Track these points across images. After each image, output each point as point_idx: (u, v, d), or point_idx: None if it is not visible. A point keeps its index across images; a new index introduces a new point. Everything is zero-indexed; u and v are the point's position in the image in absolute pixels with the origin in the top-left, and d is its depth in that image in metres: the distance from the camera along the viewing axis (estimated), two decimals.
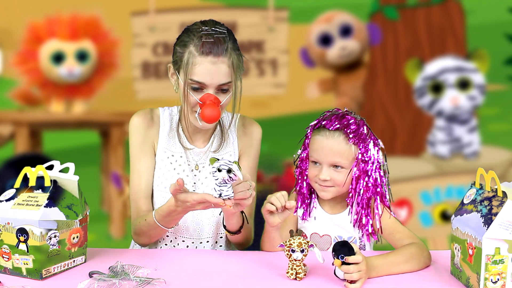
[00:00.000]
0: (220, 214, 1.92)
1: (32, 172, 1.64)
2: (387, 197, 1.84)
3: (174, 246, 1.94)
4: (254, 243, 1.98)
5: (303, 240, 1.58)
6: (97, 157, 3.76)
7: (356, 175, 1.81)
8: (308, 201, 1.90)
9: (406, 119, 3.82)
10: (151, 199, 1.94)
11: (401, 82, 3.80)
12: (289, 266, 1.60)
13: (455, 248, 1.61)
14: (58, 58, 3.65)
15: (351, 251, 1.54)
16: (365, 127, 1.82)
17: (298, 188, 1.90)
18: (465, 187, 3.57)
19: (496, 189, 1.53)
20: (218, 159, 1.59)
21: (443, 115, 3.78)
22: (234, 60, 1.82)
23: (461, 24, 3.78)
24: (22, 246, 1.57)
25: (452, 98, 3.74)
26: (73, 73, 3.66)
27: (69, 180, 1.65)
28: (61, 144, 3.73)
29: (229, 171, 1.56)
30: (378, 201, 1.82)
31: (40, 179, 1.63)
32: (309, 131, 1.86)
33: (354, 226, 1.84)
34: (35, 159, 3.37)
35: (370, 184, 1.81)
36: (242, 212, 1.81)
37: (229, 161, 1.57)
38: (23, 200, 1.60)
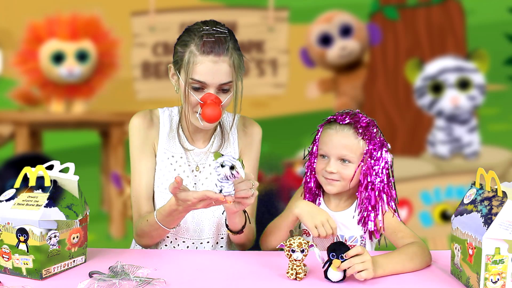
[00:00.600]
0: (222, 214, 1.91)
1: (32, 172, 1.64)
2: (393, 197, 1.86)
3: (174, 247, 1.94)
4: (254, 243, 1.98)
5: (303, 240, 1.58)
6: (97, 157, 3.75)
7: (364, 172, 1.82)
8: (314, 197, 1.91)
9: (406, 119, 3.81)
10: (152, 200, 1.94)
11: (401, 82, 3.79)
12: (289, 266, 1.60)
13: (455, 248, 1.61)
14: (58, 58, 3.64)
15: (347, 248, 1.56)
16: (375, 128, 1.85)
17: (305, 182, 1.92)
18: (465, 187, 3.58)
19: (496, 189, 1.53)
20: (223, 154, 1.56)
21: (443, 115, 3.77)
22: (235, 60, 1.82)
23: (461, 24, 3.77)
24: (22, 246, 1.57)
25: (452, 98, 3.74)
26: (73, 73, 3.65)
27: (69, 180, 1.65)
28: (61, 144, 3.72)
29: (232, 167, 1.54)
30: (385, 200, 1.83)
31: (40, 179, 1.63)
32: (320, 126, 1.89)
33: (358, 223, 1.85)
34: (35, 159, 3.37)
35: (377, 182, 1.82)
36: (244, 211, 1.81)
37: (233, 158, 1.55)
38: (23, 200, 1.60)
